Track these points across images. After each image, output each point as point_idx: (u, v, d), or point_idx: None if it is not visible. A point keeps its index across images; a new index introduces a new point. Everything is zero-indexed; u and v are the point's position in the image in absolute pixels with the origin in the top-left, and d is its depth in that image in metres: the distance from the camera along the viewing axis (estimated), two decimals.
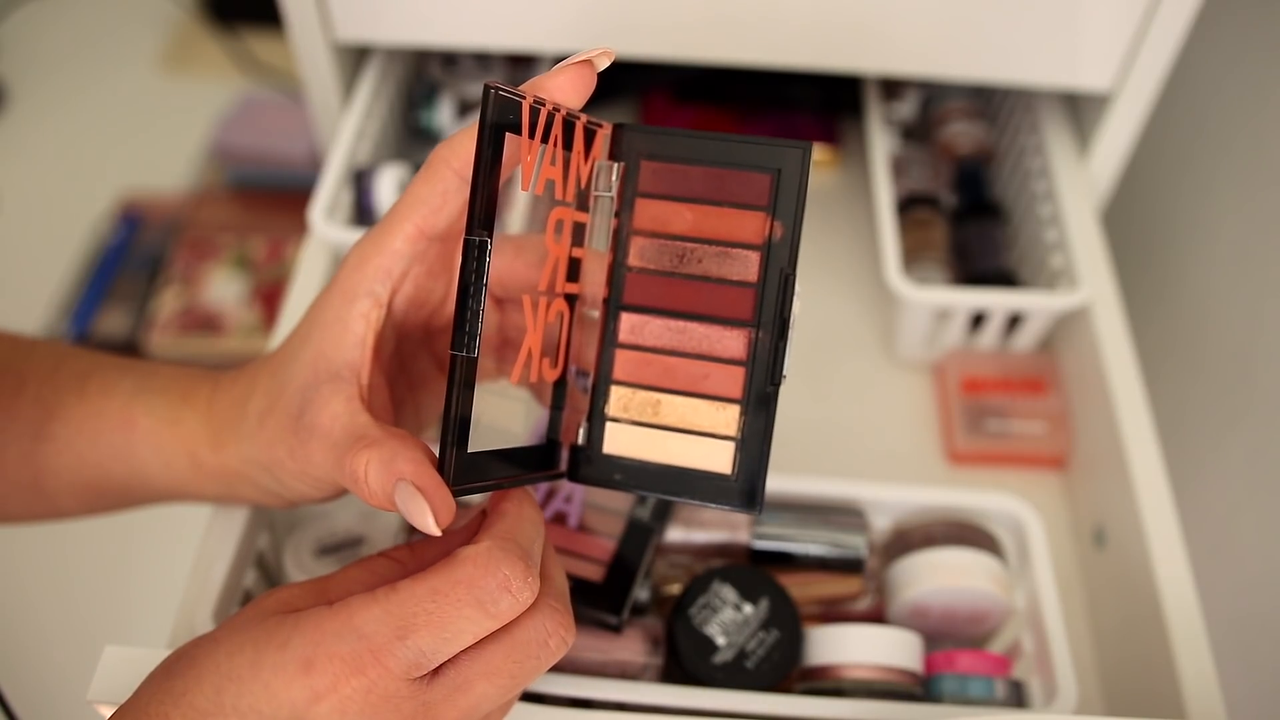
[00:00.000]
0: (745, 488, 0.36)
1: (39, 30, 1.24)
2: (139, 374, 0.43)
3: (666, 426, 0.37)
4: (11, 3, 1.25)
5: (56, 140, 1.13)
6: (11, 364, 0.43)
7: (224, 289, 0.99)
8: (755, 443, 0.36)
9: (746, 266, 0.37)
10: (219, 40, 1.19)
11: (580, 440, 0.38)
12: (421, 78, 0.73)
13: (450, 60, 0.72)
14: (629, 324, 0.38)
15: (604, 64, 0.36)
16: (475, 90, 0.71)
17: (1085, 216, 0.62)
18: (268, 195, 1.07)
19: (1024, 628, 0.48)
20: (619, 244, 0.38)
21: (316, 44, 0.62)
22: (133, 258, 1.02)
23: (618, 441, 0.38)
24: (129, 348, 0.95)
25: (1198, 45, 0.65)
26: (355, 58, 0.67)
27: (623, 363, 0.38)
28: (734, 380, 0.37)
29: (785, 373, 0.36)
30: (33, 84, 1.18)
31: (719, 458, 0.37)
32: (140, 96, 1.17)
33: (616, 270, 0.38)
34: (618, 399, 0.38)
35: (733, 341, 0.37)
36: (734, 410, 0.37)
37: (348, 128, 0.63)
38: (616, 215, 0.38)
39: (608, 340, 0.38)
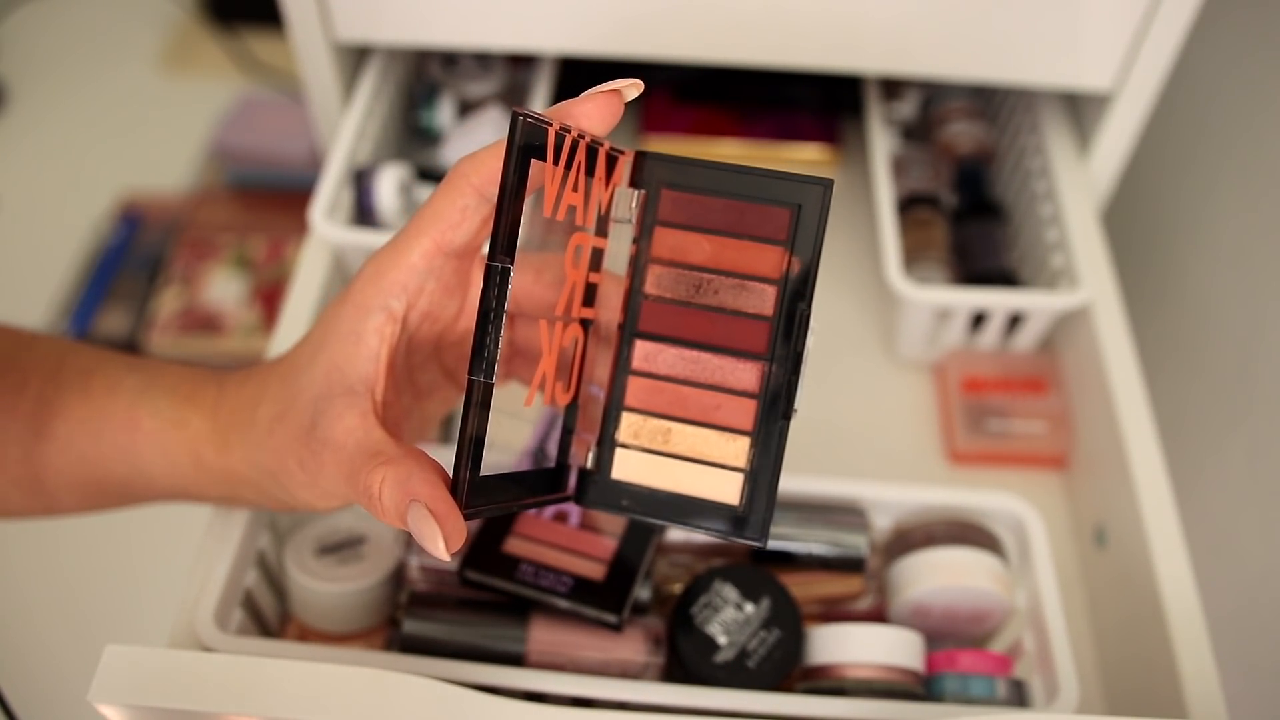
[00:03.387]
0: (752, 519, 0.37)
1: (39, 30, 1.23)
2: (144, 372, 0.43)
3: (676, 455, 0.37)
4: (11, 3, 1.25)
5: (56, 140, 1.13)
6: (14, 360, 0.43)
7: (224, 289, 0.99)
8: (764, 475, 0.36)
9: (763, 300, 0.37)
10: (219, 40, 1.19)
11: (589, 464, 0.38)
12: (421, 78, 0.73)
13: (450, 60, 0.72)
14: (643, 351, 0.38)
15: (632, 95, 0.36)
16: (475, 90, 0.71)
17: (1085, 216, 0.62)
18: (268, 195, 1.07)
19: (1025, 627, 0.48)
20: (636, 271, 0.38)
21: (317, 44, 0.62)
22: (133, 258, 1.02)
23: (626, 468, 0.38)
24: (129, 348, 0.95)
25: (1198, 45, 0.65)
26: (355, 58, 0.67)
27: (635, 390, 0.38)
28: (745, 412, 0.37)
29: (797, 406, 0.36)
30: (33, 84, 1.18)
31: (727, 489, 0.37)
32: (140, 96, 1.17)
33: (633, 297, 0.38)
34: (628, 425, 0.38)
35: (746, 374, 0.37)
36: (744, 442, 0.37)
37: (348, 128, 0.63)
38: (635, 242, 0.38)
39: (621, 367, 0.38)
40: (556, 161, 0.34)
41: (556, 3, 0.58)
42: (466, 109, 0.72)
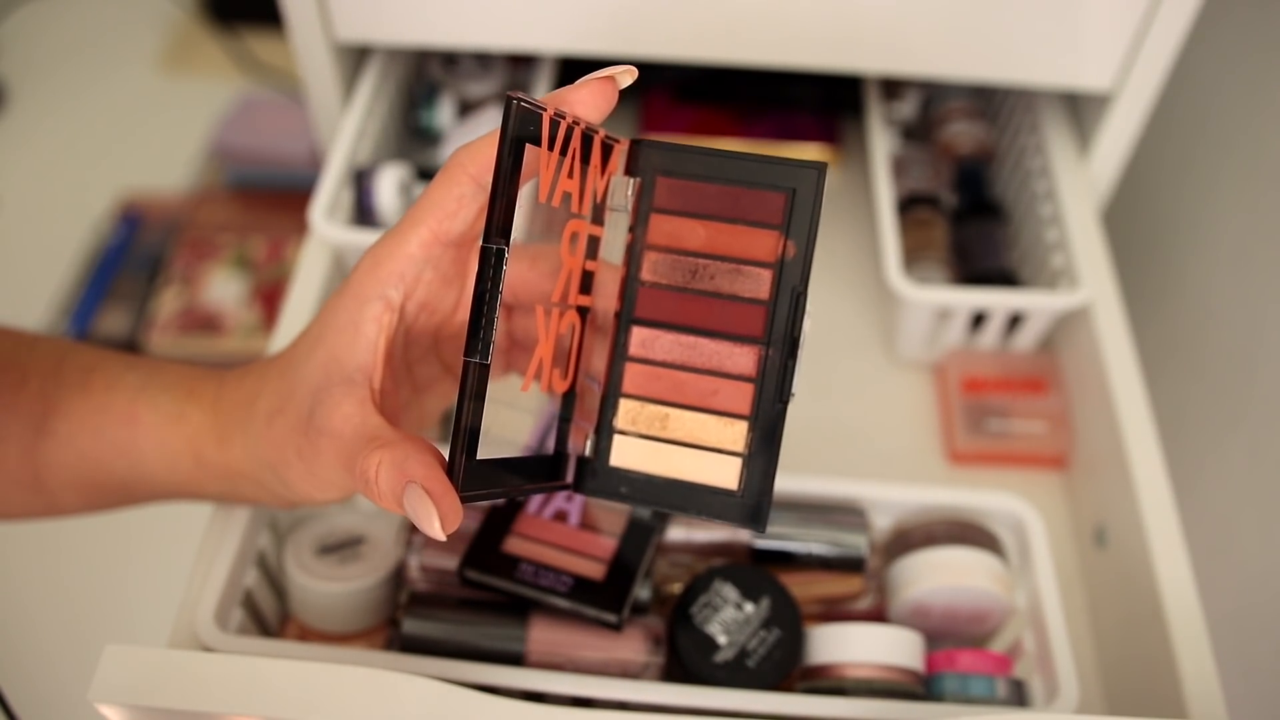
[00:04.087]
0: (751, 504, 0.36)
1: (39, 30, 1.24)
2: (143, 370, 0.43)
3: (674, 441, 0.37)
4: (11, 3, 1.25)
5: (56, 140, 1.13)
6: (14, 359, 0.43)
7: (224, 289, 0.99)
8: (762, 459, 0.36)
9: (758, 284, 0.37)
10: (219, 40, 1.19)
11: (587, 452, 0.38)
12: (421, 78, 0.73)
13: (450, 60, 0.72)
14: (640, 338, 0.38)
15: (626, 81, 0.36)
16: (475, 90, 0.71)
17: (1085, 216, 0.62)
18: (268, 195, 1.07)
19: (1025, 627, 0.48)
20: (632, 258, 0.38)
21: (316, 44, 0.62)
22: (133, 258, 1.02)
23: (625, 454, 0.38)
24: (129, 347, 0.95)
25: (1198, 45, 0.65)
26: (355, 58, 0.67)
27: (632, 376, 0.38)
28: (743, 396, 0.37)
29: (794, 390, 0.36)
30: (33, 84, 1.18)
31: (726, 473, 0.37)
32: (140, 96, 1.17)
33: (629, 284, 0.38)
34: (626, 412, 0.38)
35: (743, 358, 0.37)
36: (742, 426, 0.37)
37: (348, 128, 0.63)
38: (631, 230, 0.38)
39: (618, 353, 0.38)
40: (551, 147, 0.34)
41: (556, 3, 0.58)
42: (466, 109, 0.72)
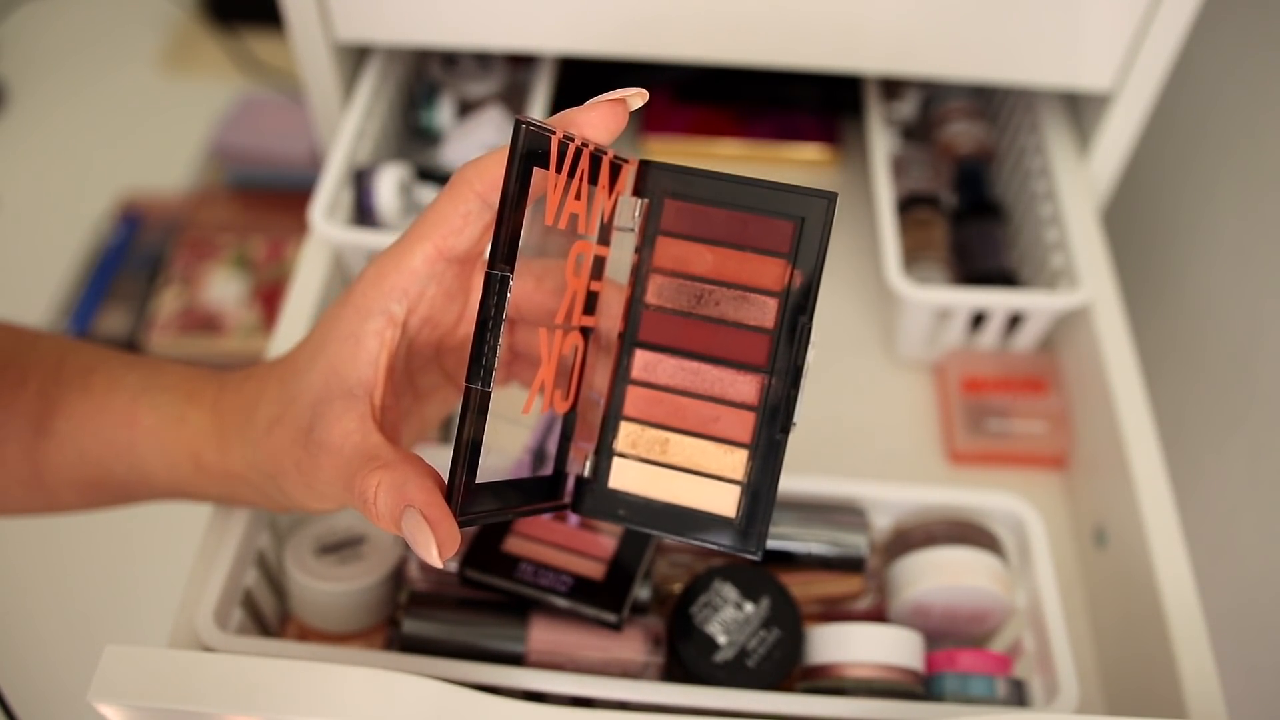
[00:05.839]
0: (748, 532, 0.37)
1: (39, 30, 1.24)
2: (144, 370, 0.43)
3: (673, 466, 0.37)
4: (11, 3, 1.25)
5: (56, 140, 1.13)
6: (15, 357, 0.43)
7: (224, 289, 0.99)
8: (761, 488, 0.36)
9: (764, 312, 0.37)
10: (219, 40, 1.19)
11: (586, 473, 0.38)
12: (421, 78, 0.73)
13: (450, 60, 0.72)
14: (642, 361, 0.38)
15: (637, 104, 0.36)
16: (475, 90, 0.71)
17: (1085, 216, 0.62)
18: (268, 195, 1.07)
19: (1025, 627, 0.48)
20: (637, 280, 0.38)
21: (316, 44, 0.62)
22: (133, 258, 1.02)
23: (623, 477, 0.38)
24: (129, 347, 0.95)
25: (1198, 45, 0.65)
26: (355, 58, 0.67)
27: (634, 399, 0.38)
28: (744, 425, 0.37)
29: (796, 420, 0.36)
30: (33, 84, 1.18)
31: (724, 501, 0.37)
32: (140, 96, 1.17)
33: (633, 306, 0.38)
34: (626, 435, 0.38)
35: (745, 386, 0.37)
36: (742, 455, 0.37)
37: (348, 128, 0.63)
38: (637, 251, 0.38)
39: (620, 376, 0.38)
40: (559, 169, 0.34)
41: (556, 3, 0.58)
42: (466, 109, 0.72)
